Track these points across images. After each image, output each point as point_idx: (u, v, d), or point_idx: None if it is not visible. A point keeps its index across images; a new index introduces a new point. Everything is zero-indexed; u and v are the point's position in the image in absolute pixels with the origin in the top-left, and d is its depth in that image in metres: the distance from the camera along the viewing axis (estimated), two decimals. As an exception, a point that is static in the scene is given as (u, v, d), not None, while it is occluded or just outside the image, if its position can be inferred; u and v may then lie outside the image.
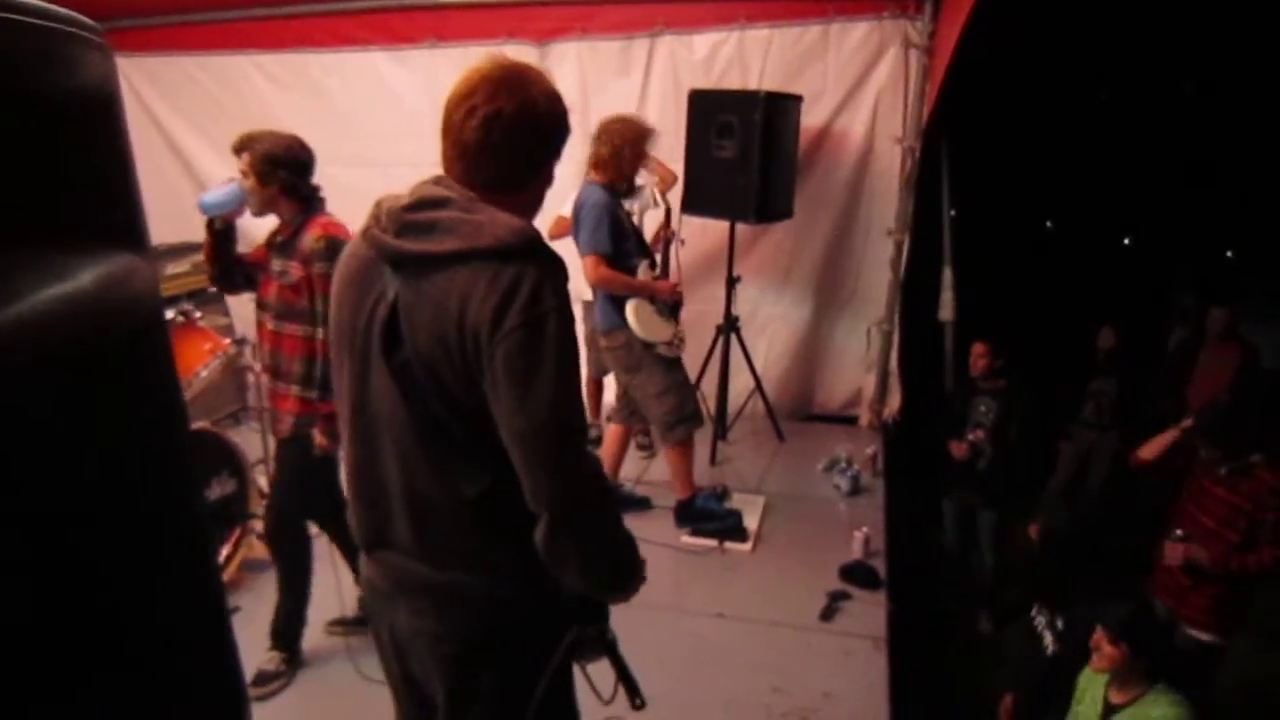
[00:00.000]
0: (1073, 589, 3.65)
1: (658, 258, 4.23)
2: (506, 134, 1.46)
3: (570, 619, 1.61)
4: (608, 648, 1.67)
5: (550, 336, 1.37)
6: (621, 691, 1.70)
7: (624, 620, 1.81)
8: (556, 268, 1.44)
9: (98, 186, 0.81)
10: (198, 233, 5.75)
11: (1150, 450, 3.82)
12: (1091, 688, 3.01)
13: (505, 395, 1.37)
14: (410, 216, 1.46)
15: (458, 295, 1.39)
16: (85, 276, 0.71)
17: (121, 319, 0.76)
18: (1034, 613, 3.69)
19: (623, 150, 3.90)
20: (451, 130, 1.49)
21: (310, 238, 2.90)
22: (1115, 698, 2.88)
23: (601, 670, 1.73)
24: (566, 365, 1.40)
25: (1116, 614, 2.85)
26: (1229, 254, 13.36)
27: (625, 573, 1.59)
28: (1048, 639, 3.56)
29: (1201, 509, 3.53)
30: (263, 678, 3.09)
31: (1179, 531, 3.51)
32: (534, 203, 1.61)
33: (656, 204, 4.47)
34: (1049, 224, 15.87)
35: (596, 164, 3.96)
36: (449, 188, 1.50)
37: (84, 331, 0.69)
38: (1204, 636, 3.51)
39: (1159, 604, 3.47)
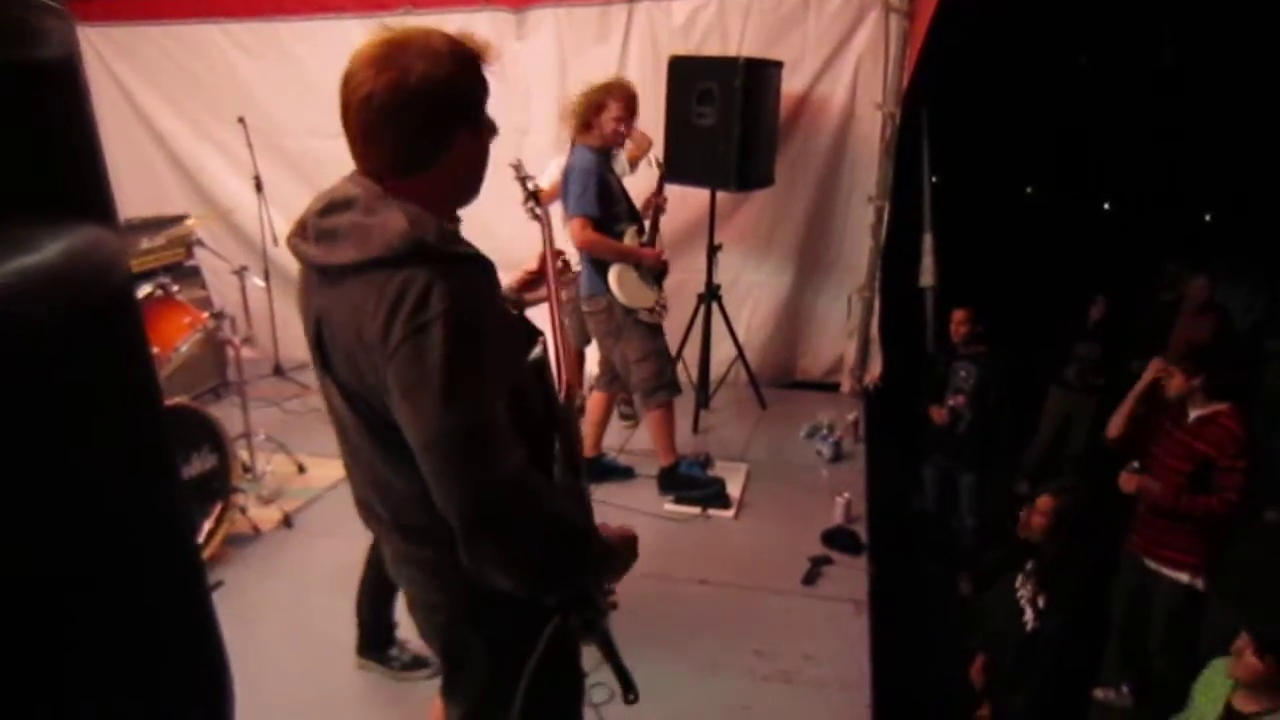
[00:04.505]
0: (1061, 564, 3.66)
1: (646, 224, 4.22)
2: (383, 116, 1.37)
3: (553, 608, 1.52)
4: (599, 637, 1.58)
5: (436, 344, 1.29)
6: (593, 692, 1.66)
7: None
8: (451, 267, 1.36)
9: (62, 158, 0.79)
10: (172, 205, 5.75)
11: (1115, 425, 3.86)
12: (1217, 681, 2.90)
13: (400, 410, 1.34)
14: (320, 223, 1.43)
15: (356, 310, 1.36)
16: (50, 249, 0.70)
17: (88, 292, 0.74)
18: (1018, 584, 3.71)
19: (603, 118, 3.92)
20: (344, 119, 1.42)
21: None
22: (1243, 705, 2.76)
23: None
24: (459, 371, 1.30)
25: (1270, 625, 2.73)
26: (1207, 218, 13.45)
27: (560, 573, 1.46)
28: (1028, 614, 3.59)
29: (1164, 449, 3.64)
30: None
31: (1135, 464, 3.61)
32: (455, 181, 1.50)
33: (632, 171, 4.46)
34: (1029, 189, 15.91)
35: (585, 127, 3.94)
36: (358, 184, 1.43)
37: (48, 305, 0.69)
38: (1183, 578, 3.62)
39: None
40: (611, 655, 1.58)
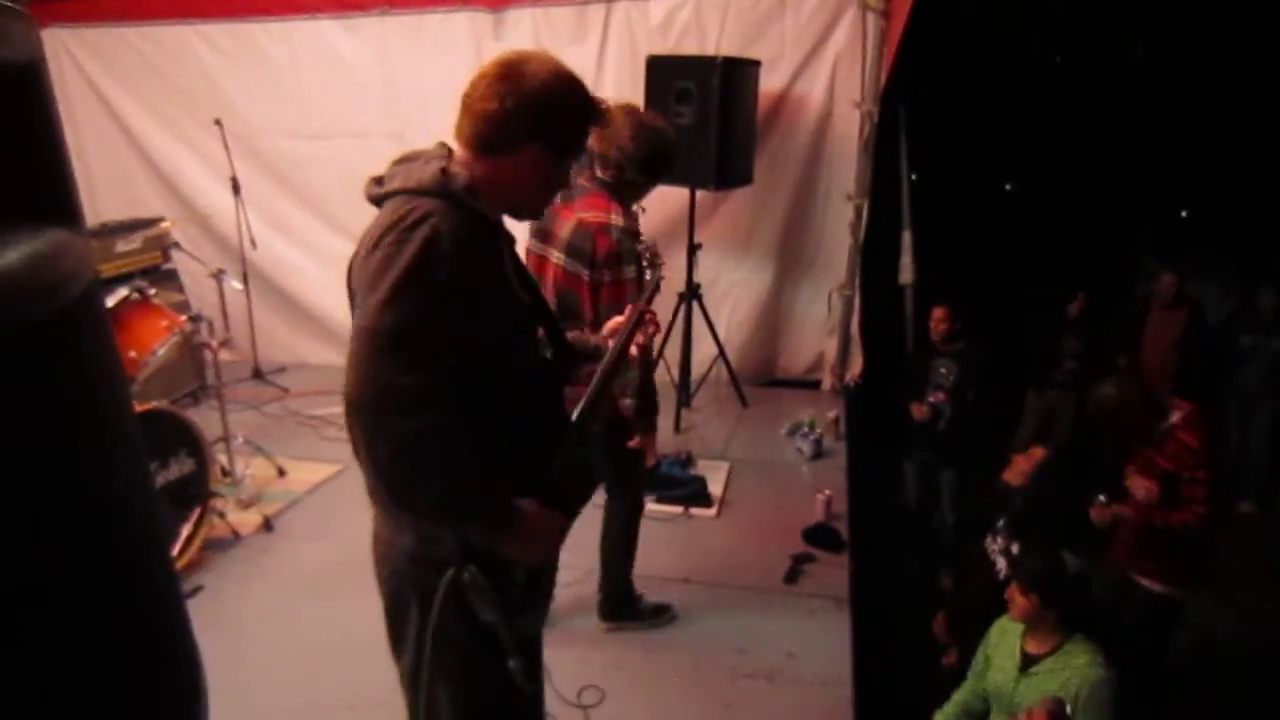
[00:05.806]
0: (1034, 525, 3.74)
1: None
2: (485, 94, 1.57)
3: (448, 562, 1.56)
4: (489, 600, 1.57)
5: (409, 254, 1.41)
6: (583, 695, 1.62)
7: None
8: (462, 214, 1.51)
9: (26, 162, 0.79)
10: (148, 209, 5.70)
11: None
12: (1006, 639, 3.09)
13: (359, 303, 1.46)
14: (393, 168, 1.62)
15: (373, 228, 1.52)
16: (12, 254, 0.69)
17: (52, 297, 0.74)
18: (989, 543, 3.76)
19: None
20: (461, 99, 1.62)
21: None
22: (1032, 648, 2.97)
23: (576, 676, 1.69)
24: (414, 284, 1.40)
25: (1030, 567, 2.98)
26: (1183, 214, 13.57)
27: (424, 499, 1.48)
28: (1000, 563, 3.64)
29: (1142, 472, 3.61)
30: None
31: (1102, 498, 3.62)
32: (511, 181, 1.62)
33: None
34: (1008, 186, 16.00)
35: None
36: (440, 146, 1.64)
37: (11, 311, 0.68)
38: (1157, 588, 3.61)
39: (1071, 558, 3.49)
40: (505, 620, 1.59)
